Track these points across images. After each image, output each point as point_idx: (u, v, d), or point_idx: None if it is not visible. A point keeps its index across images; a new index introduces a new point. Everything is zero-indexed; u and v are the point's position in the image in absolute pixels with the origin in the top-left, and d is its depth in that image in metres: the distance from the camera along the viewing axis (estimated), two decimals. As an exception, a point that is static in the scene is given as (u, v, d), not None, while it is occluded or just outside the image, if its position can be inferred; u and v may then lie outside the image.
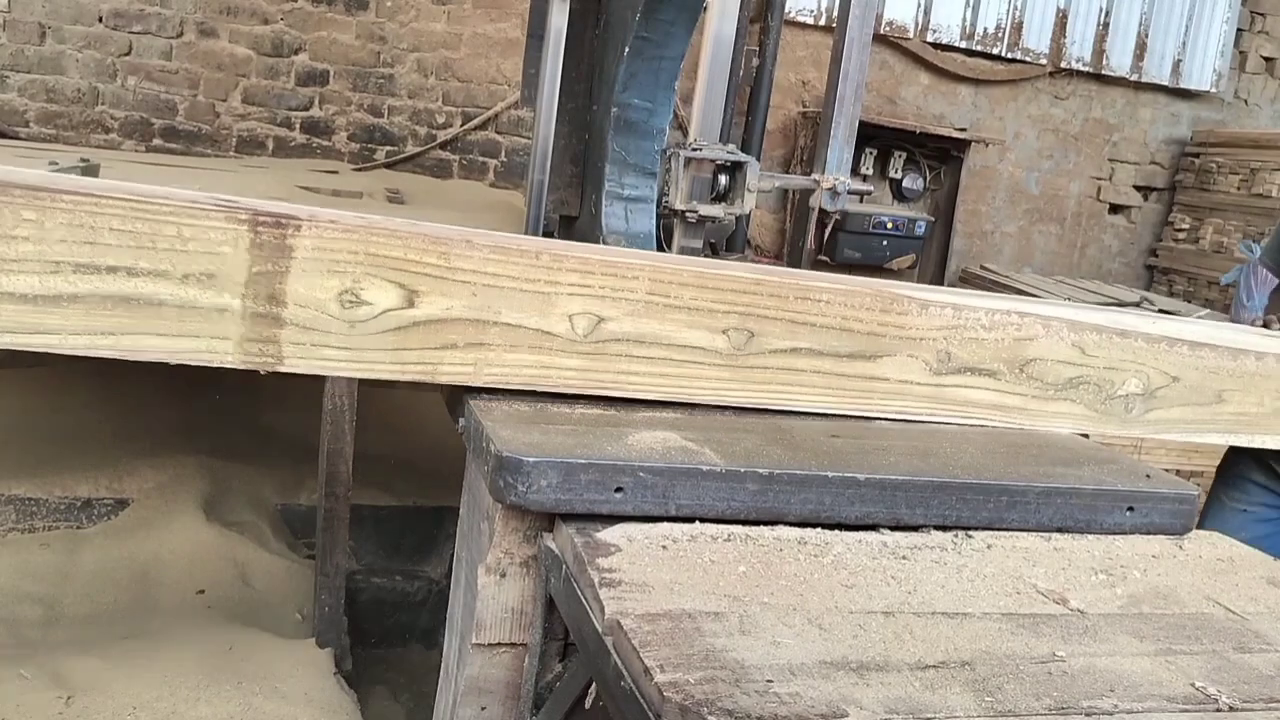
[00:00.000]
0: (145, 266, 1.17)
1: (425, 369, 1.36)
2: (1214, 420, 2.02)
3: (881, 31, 5.11)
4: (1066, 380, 1.90)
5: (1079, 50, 5.52)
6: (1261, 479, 2.68)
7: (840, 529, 1.52)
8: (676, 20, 2.34)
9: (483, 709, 1.56)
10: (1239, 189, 5.35)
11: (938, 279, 5.32)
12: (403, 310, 1.31)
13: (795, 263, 4.63)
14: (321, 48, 4.54)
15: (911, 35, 5.28)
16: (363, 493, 3.27)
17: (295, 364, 1.26)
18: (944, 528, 1.58)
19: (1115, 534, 1.66)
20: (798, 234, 5.14)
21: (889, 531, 1.54)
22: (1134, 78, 5.64)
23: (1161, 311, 4.61)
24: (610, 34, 2.51)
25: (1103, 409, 1.93)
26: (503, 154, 4.85)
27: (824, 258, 4.89)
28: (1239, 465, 2.71)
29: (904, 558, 1.46)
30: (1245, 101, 5.96)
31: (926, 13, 5.28)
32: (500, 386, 1.45)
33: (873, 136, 4.76)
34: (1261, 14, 5.84)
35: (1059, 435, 1.96)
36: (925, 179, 5.23)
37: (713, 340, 1.58)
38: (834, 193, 2.26)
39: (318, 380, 2.95)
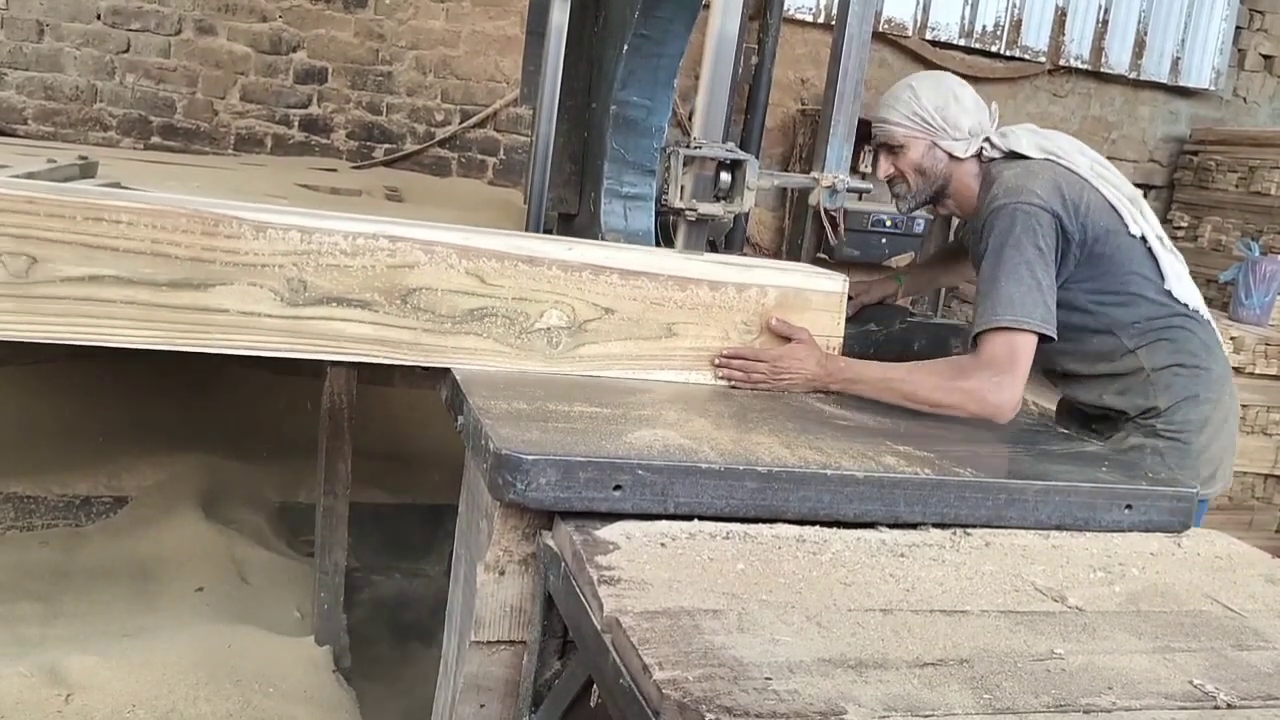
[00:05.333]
0: None
1: None
2: (667, 355, 1.88)
3: (880, 29, 5.10)
4: (467, 312, 1.72)
5: (1078, 48, 5.52)
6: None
7: (839, 526, 1.52)
8: (675, 18, 2.34)
9: (481, 706, 1.56)
10: (1237, 187, 5.35)
11: (937, 277, 5.31)
12: None
13: (794, 260, 4.63)
14: (320, 45, 4.54)
15: (910, 33, 5.27)
16: (362, 490, 3.27)
17: None
18: (942, 525, 1.58)
19: (1114, 532, 1.66)
20: (796, 231, 5.13)
21: (887, 529, 1.54)
22: (1133, 75, 5.64)
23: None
24: (609, 31, 2.51)
25: (519, 344, 1.77)
26: (501, 152, 4.85)
27: (822, 255, 4.88)
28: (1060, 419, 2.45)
29: (902, 555, 1.46)
30: (1244, 99, 5.96)
31: (925, 10, 5.27)
32: None
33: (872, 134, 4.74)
34: (1260, 12, 5.84)
35: None
36: (924, 176, 5.22)
37: None
38: (833, 190, 2.26)
39: (318, 378, 2.95)
